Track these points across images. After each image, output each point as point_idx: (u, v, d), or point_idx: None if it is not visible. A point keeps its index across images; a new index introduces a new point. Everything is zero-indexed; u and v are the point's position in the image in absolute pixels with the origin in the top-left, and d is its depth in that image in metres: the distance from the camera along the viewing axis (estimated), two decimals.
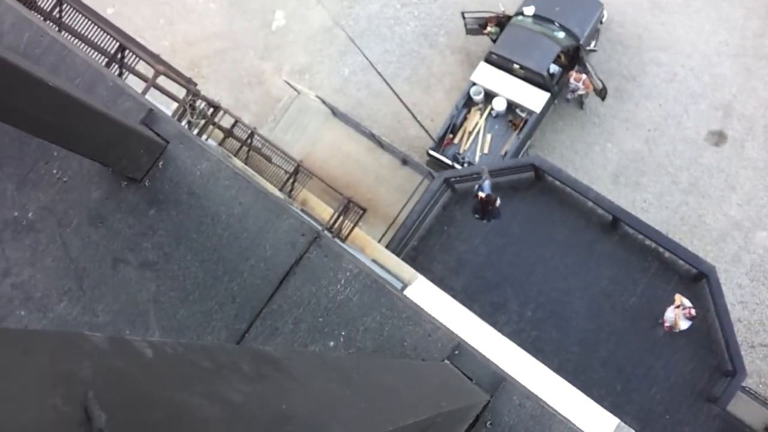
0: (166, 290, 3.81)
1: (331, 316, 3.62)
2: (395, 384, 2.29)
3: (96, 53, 10.75)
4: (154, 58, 12.33)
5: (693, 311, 12.39)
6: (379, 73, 10.10)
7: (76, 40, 10.45)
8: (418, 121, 10.54)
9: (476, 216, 13.19)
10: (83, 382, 0.95)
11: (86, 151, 3.51)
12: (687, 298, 12.97)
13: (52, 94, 3.02)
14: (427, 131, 10.81)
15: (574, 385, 9.98)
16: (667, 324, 12.87)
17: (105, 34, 10.88)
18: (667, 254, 13.38)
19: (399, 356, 3.46)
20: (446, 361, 3.43)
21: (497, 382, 3.39)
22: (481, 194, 12.66)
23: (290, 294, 3.71)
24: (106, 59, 10.81)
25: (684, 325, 12.65)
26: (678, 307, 12.64)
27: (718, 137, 17.52)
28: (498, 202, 12.76)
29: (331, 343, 3.56)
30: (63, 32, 10.18)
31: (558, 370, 10.53)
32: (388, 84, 10.23)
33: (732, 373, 12.41)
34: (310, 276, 3.72)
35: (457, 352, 3.47)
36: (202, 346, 1.33)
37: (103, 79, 4.31)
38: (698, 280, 13.14)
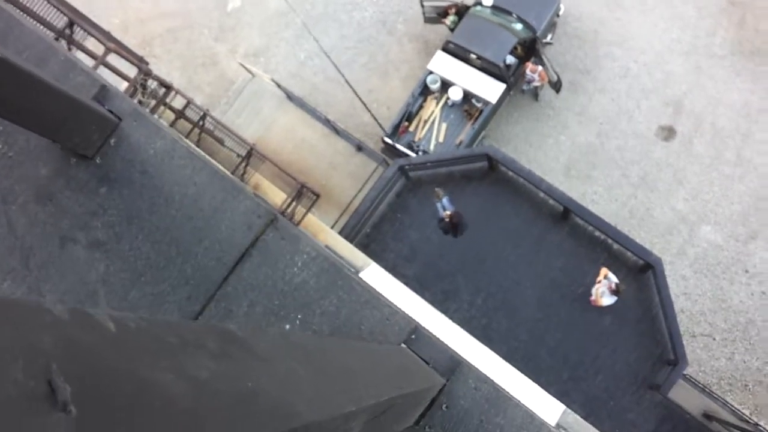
0: (117, 271, 3.71)
1: (287, 299, 3.57)
2: (356, 365, 2.28)
3: (43, 28, 10.39)
4: (104, 35, 12.00)
5: (614, 285, 12.60)
6: (333, 62, 10.03)
7: (22, 13, 10.09)
8: (370, 111, 10.52)
9: (448, 235, 13.52)
10: (45, 353, 0.91)
11: (35, 126, 3.38)
12: (633, 288, 13.25)
13: (1, 65, 2.90)
14: (377, 120, 10.78)
15: (522, 372, 10.13)
16: (591, 297, 13.12)
17: (53, 9, 10.53)
18: (615, 246, 13.65)
19: (356, 340, 3.44)
20: (403, 345, 3.43)
21: (453, 365, 3.40)
22: (447, 212, 13.03)
23: (245, 276, 3.65)
24: (54, 35, 10.47)
25: (607, 301, 12.84)
26: (599, 282, 12.87)
27: (668, 133, 17.94)
28: (462, 217, 13.17)
29: (287, 327, 3.52)
30: (8, 4, 9.81)
31: (507, 357, 10.67)
32: (341, 73, 10.18)
33: (674, 362, 12.76)
34: (266, 258, 3.67)
35: (413, 336, 3.47)
36: (165, 322, 1.29)
37: (54, 52, 4.16)
38: (645, 271, 13.45)
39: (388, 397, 2.02)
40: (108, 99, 3.96)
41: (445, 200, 13.14)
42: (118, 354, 1.05)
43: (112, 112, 3.88)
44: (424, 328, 3.55)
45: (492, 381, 3.41)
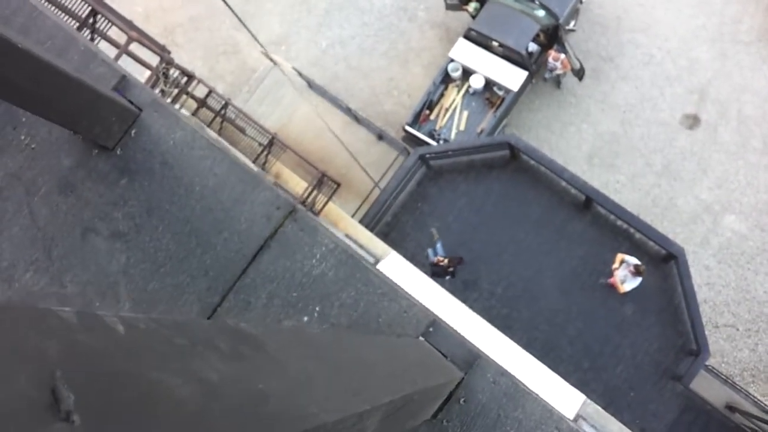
0: (137, 262, 3.73)
1: (305, 291, 3.57)
2: (372, 361, 2.27)
3: (66, 17, 10.47)
4: (126, 24, 12.06)
5: (634, 267, 12.43)
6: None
7: (46, 3, 10.16)
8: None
9: (441, 278, 13.47)
10: (50, 360, 0.90)
11: (57, 117, 3.40)
12: (656, 278, 13.11)
13: (23, 56, 2.91)
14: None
15: (543, 362, 10.10)
16: (613, 282, 12.98)
17: None
18: (637, 235, 13.52)
19: (373, 332, 3.43)
20: (421, 338, 3.41)
21: (472, 359, 3.38)
22: (439, 258, 13.06)
23: (264, 268, 3.65)
24: (77, 24, 10.55)
25: (630, 285, 12.68)
26: (616, 269, 12.74)
27: (693, 121, 17.68)
28: (455, 261, 13.18)
29: (305, 319, 3.52)
30: None
31: (527, 347, 10.64)
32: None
33: (696, 353, 12.64)
34: (285, 250, 3.66)
35: (431, 329, 3.45)
36: (176, 322, 1.28)
37: (74, 43, 4.17)
38: (667, 261, 13.31)
39: (404, 393, 2.01)
40: (128, 89, 3.97)
41: (438, 246, 13.21)
42: (125, 357, 1.05)
43: (132, 102, 3.89)
44: (442, 320, 3.53)
45: (511, 374, 3.39)
